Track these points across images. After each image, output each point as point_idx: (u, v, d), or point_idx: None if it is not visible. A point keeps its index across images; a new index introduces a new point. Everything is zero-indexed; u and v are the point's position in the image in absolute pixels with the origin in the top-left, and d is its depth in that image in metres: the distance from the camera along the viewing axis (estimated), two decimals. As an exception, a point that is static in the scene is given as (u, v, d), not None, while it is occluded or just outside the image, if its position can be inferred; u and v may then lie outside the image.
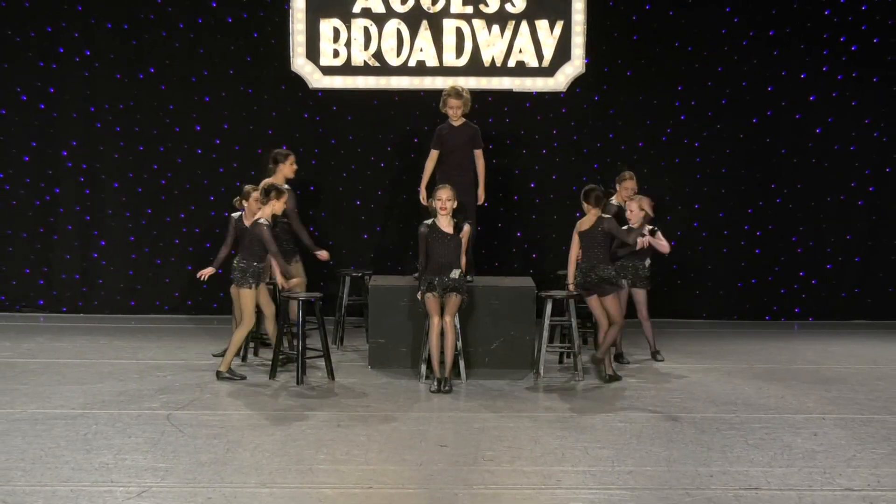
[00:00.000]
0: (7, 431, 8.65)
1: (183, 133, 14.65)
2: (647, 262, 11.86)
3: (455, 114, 11.77)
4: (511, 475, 7.69)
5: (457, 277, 10.68)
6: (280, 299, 11.43)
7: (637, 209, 11.68)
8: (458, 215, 10.92)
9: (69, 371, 11.10)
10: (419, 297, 10.72)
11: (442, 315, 10.59)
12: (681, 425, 9.15)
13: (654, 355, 12.00)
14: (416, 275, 11.17)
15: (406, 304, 11.33)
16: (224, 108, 14.63)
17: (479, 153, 11.88)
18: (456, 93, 11.79)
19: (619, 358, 11.81)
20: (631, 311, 11.81)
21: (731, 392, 10.40)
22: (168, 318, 14.47)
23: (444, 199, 10.73)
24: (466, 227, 10.89)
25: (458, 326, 10.79)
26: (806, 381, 11.01)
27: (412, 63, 14.04)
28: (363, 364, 11.70)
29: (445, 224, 10.74)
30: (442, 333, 10.55)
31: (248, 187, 11.64)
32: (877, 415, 9.61)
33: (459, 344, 10.83)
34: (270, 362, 11.01)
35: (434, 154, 11.87)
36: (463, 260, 10.83)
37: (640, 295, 11.84)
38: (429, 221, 10.81)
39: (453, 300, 10.64)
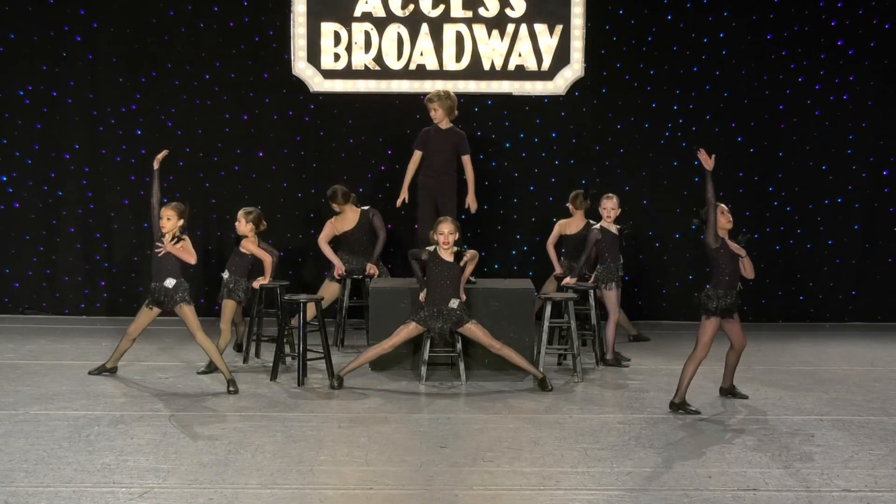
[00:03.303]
0: (10, 433, 8.67)
1: (185, 136, 14.69)
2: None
3: (435, 115, 11.76)
4: (510, 476, 7.70)
5: (455, 307, 10.68)
6: (282, 302, 11.51)
7: (611, 208, 12.00)
8: (458, 246, 10.90)
9: (72, 373, 11.12)
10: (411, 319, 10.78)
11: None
12: (679, 426, 9.16)
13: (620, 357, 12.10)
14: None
15: (406, 307, 11.36)
16: (226, 112, 14.68)
17: (466, 159, 11.81)
18: (436, 95, 11.77)
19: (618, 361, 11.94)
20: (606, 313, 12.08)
21: (729, 393, 10.46)
22: (170, 321, 14.37)
23: (447, 234, 10.64)
24: (470, 254, 10.80)
25: (497, 343, 10.76)
26: (803, 383, 11.02)
27: (412, 67, 14.11)
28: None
29: (447, 255, 10.73)
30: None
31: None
32: (874, 416, 9.62)
33: (508, 350, 10.79)
34: (272, 364, 11.06)
35: (416, 155, 11.84)
36: (461, 287, 10.83)
37: (615, 295, 11.97)
38: (430, 248, 10.74)
39: (479, 335, 10.69)
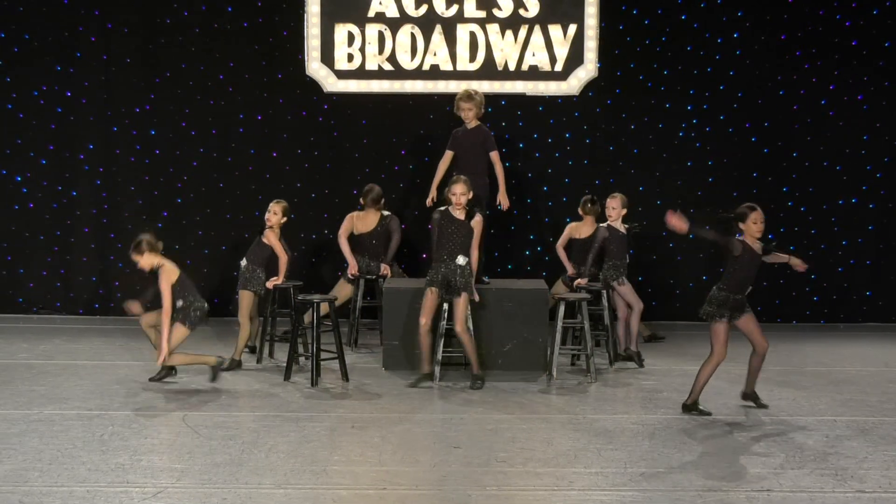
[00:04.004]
0: (24, 432, 8.71)
1: (198, 136, 14.74)
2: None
3: (467, 116, 11.81)
4: (524, 476, 7.73)
5: (463, 264, 10.71)
6: (295, 302, 11.55)
7: (612, 207, 12.13)
8: (471, 206, 10.96)
9: (86, 372, 11.18)
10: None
11: (433, 317, 10.85)
12: (693, 427, 9.18)
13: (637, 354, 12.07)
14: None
15: (420, 307, 11.37)
16: (239, 112, 14.72)
17: (494, 156, 11.82)
18: (467, 95, 11.83)
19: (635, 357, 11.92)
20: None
21: (743, 394, 10.44)
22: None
23: (459, 194, 10.76)
24: (478, 217, 10.86)
25: (472, 329, 10.85)
26: (817, 384, 11.04)
27: (426, 67, 14.13)
28: (377, 366, 11.75)
29: (458, 214, 10.80)
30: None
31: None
32: (888, 417, 9.62)
33: (468, 339, 10.84)
34: (285, 364, 11.08)
35: (448, 155, 11.90)
36: (474, 255, 10.87)
37: (629, 288, 11.98)
38: (443, 208, 10.89)
39: (461, 307, 10.73)
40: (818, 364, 12.17)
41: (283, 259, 11.71)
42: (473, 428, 9.11)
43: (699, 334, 13.51)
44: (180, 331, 10.52)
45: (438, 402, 10.17)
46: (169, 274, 10.56)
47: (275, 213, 11.81)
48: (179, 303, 10.50)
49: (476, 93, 11.94)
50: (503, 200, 11.90)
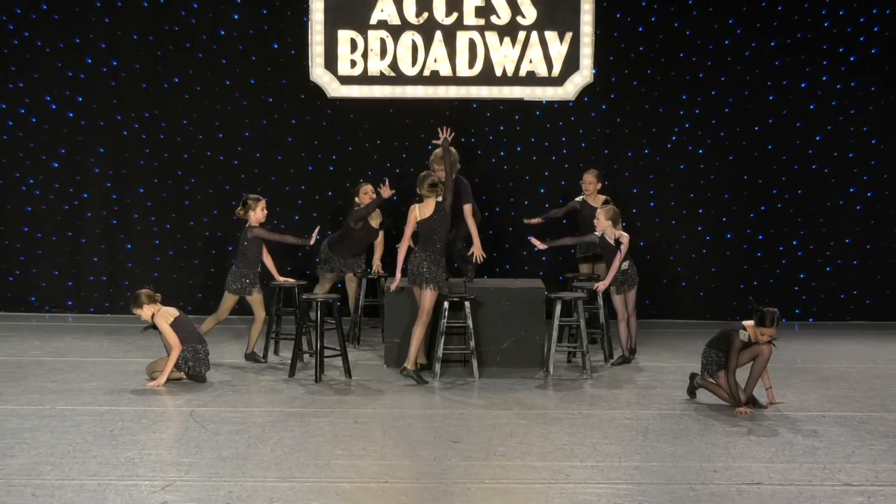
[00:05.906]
0: (37, 427, 8.80)
1: (206, 140, 14.89)
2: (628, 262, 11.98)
3: (441, 176, 11.39)
4: (521, 470, 7.81)
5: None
6: (299, 301, 11.76)
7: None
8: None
9: (96, 369, 11.28)
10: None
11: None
12: (685, 422, 9.26)
13: (633, 353, 12.17)
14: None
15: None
16: (245, 117, 14.87)
17: (467, 210, 11.68)
18: (439, 159, 11.50)
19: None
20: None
21: (734, 390, 10.56)
22: (191, 320, 14.71)
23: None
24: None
25: (422, 320, 11.05)
26: (806, 380, 11.11)
27: (427, 73, 14.16)
28: (379, 363, 11.89)
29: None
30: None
31: (251, 197, 12.00)
32: (875, 412, 9.71)
33: (420, 331, 11.05)
34: (290, 361, 11.22)
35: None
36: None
37: (632, 295, 12.01)
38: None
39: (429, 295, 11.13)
40: (807, 361, 12.26)
41: (269, 259, 12.10)
42: (473, 423, 9.20)
43: (693, 332, 13.66)
44: (177, 374, 10.74)
45: (438, 398, 10.24)
46: (165, 316, 10.69)
47: (260, 211, 11.97)
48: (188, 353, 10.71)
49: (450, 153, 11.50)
50: (478, 252, 11.69)
